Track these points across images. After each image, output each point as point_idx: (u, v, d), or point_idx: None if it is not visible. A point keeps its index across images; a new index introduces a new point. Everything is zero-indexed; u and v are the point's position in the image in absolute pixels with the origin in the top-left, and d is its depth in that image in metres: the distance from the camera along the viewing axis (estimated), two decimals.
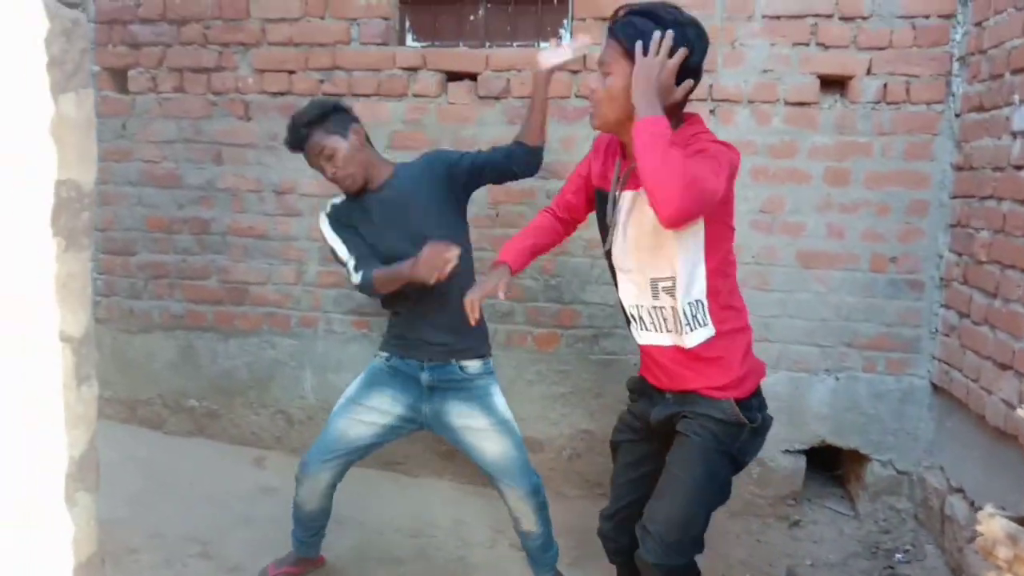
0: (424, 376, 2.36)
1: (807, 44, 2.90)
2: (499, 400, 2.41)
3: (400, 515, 3.03)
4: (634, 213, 1.86)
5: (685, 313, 1.83)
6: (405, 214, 2.35)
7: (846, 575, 2.74)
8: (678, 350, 1.88)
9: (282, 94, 3.27)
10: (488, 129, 3.12)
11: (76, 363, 1.10)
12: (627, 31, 1.76)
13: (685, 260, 1.81)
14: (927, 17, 2.82)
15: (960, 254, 2.75)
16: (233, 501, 3.02)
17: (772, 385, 3.04)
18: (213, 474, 3.24)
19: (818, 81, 2.91)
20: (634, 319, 1.96)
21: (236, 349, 3.46)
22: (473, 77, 3.14)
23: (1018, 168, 2.35)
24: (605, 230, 1.96)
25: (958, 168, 2.80)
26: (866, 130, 2.91)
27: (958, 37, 2.81)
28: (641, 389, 2.04)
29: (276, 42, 3.24)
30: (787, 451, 3.08)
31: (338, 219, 2.40)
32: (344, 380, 3.33)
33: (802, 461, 3.09)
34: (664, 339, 1.90)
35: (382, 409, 2.38)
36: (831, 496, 3.25)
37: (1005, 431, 2.36)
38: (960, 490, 2.68)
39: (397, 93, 3.18)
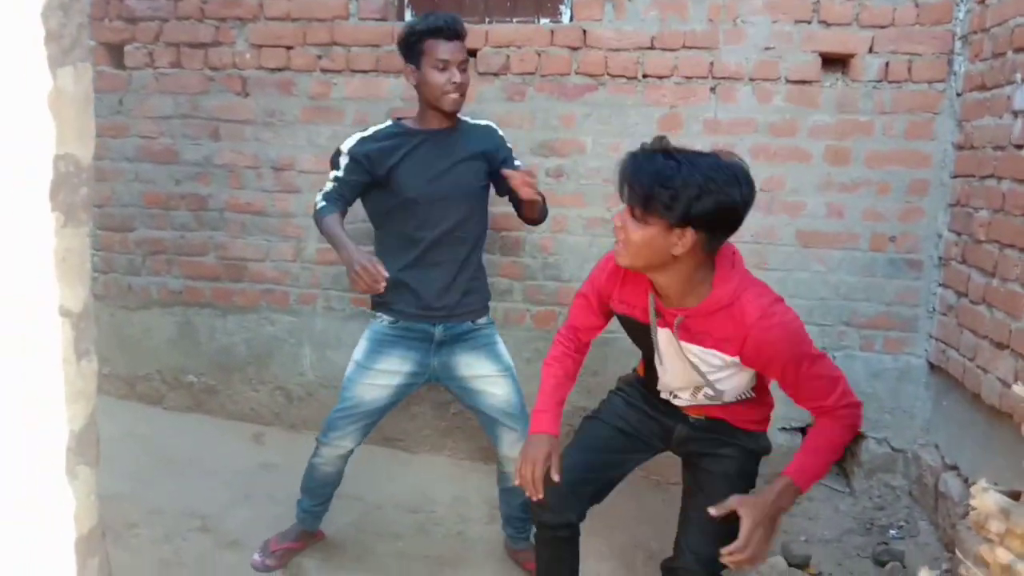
0: (437, 332, 2.39)
1: (809, 22, 2.88)
2: (502, 348, 2.51)
3: (399, 491, 3.05)
4: (674, 355, 1.84)
5: (730, 401, 1.93)
6: (449, 163, 2.36)
7: (840, 551, 2.76)
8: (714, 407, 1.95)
9: (280, 70, 3.25)
10: (487, 106, 3.10)
11: (75, 338, 1.10)
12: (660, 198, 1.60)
13: (737, 386, 1.87)
14: None
15: (959, 233, 2.75)
16: (232, 477, 3.04)
17: None
18: (212, 450, 3.25)
19: (820, 59, 2.89)
20: (663, 391, 2.00)
21: (235, 325, 3.47)
22: (472, 53, 3.11)
23: (1019, 147, 2.35)
24: (649, 348, 1.93)
25: (959, 147, 2.80)
26: (867, 109, 2.90)
27: (961, 15, 2.78)
28: (659, 407, 2.05)
29: (274, 17, 3.21)
30: (784, 428, 3.10)
31: (365, 153, 2.34)
32: (344, 357, 3.31)
33: (798, 439, 3.11)
34: (701, 401, 1.94)
35: (392, 370, 2.39)
36: (827, 473, 3.27)
37: (1000, 409, 2.37)
38: (955, 467, 2.70)
39: (396, 69, 3.14)
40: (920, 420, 3.00)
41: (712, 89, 2.96)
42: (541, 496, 1.90)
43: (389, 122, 2.43)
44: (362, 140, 2.36)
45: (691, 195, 1.56)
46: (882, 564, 2.64)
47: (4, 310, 1.04)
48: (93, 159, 1.13)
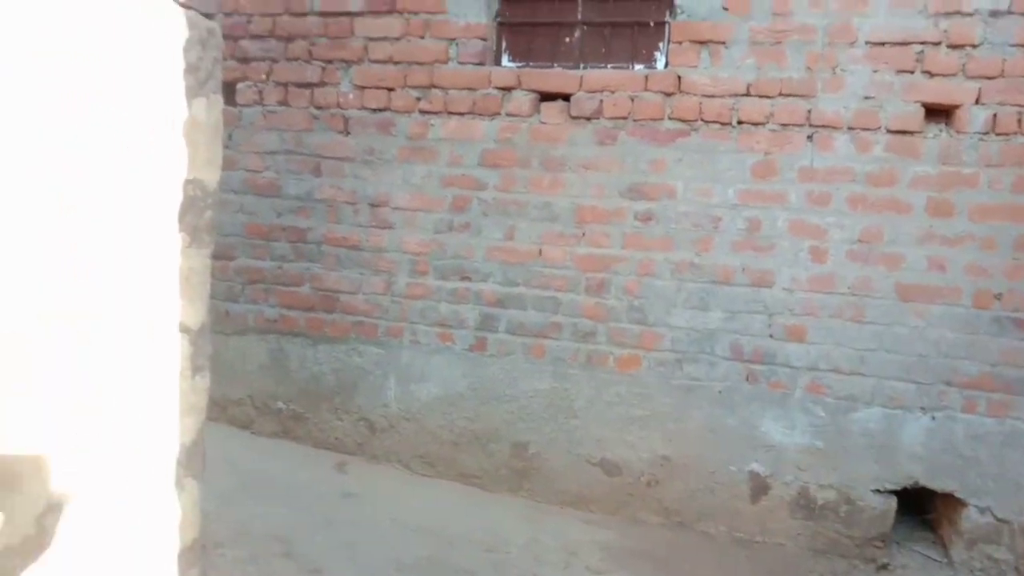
0: None
1: (912, 72, 2.82)
2: None
3: (474, 528, 3.04)
4: None
5: None
6: None
7: None
8: None
9: (381, 110, 3.37)
10: (578, 149, 3.14)
11: (192, 354, 1.15)
12: None
13: None
14: None
15: None
16: (316, 503, 3.09)
17: (864, 420, 2.95)
18: (296, 476, 3.32)
19: (923, 109, 2.83)
20: None
21: (324, 355, 3.56)
22: (566, 97, 3.17)
23: None
24: None
25: None
26: (972, 161, 2.81)
27: None
28: None
29: (377, 60, 3.35)
30: (877, 491, 2.96)
31: None
32: (427, 391, 3.40)
33: (893, 501, 2.97)
34: None
35: None
36: (922, 540, 3.11)
37: None
38: None
39: (491, 112, 3.23)
40: None
41: (809, 137, 2.92)
42: None
43: None
44: None
45: None
46: None
47: (128, 324, 1.11)
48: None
